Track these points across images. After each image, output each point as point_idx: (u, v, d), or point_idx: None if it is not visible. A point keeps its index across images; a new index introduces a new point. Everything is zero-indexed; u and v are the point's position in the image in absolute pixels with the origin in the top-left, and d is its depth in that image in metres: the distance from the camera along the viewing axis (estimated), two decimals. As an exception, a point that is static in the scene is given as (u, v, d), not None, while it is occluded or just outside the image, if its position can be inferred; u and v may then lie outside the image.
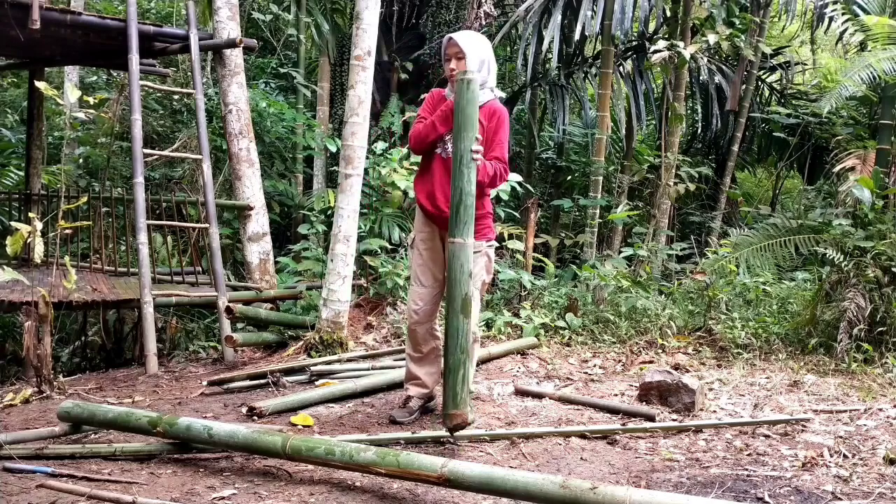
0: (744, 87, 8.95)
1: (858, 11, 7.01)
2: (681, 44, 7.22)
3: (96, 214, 7.06)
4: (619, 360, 5.25)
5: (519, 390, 4.51)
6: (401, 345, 5.52)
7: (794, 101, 10.07)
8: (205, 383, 4.80)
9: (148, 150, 6.94)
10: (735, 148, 9.09)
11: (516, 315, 5.99)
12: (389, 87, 10.31)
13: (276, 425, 3.80)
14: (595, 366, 5.14)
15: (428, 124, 3.85)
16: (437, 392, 4.01)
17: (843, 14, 7.22)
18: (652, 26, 9.25)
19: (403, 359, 4.52)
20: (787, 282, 6.52)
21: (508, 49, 10.86)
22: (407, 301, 3.99)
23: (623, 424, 3.88)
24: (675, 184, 7.84)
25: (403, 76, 10.08)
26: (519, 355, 5.32)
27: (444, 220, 3.76)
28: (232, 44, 6.68)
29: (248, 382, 4.70)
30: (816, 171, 9.41)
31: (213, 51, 6.99)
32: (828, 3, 7.91)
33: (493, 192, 6.52)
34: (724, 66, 9.38)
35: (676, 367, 4.97)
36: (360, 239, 6.58)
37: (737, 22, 7.53)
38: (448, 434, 3.50)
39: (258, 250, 6.82)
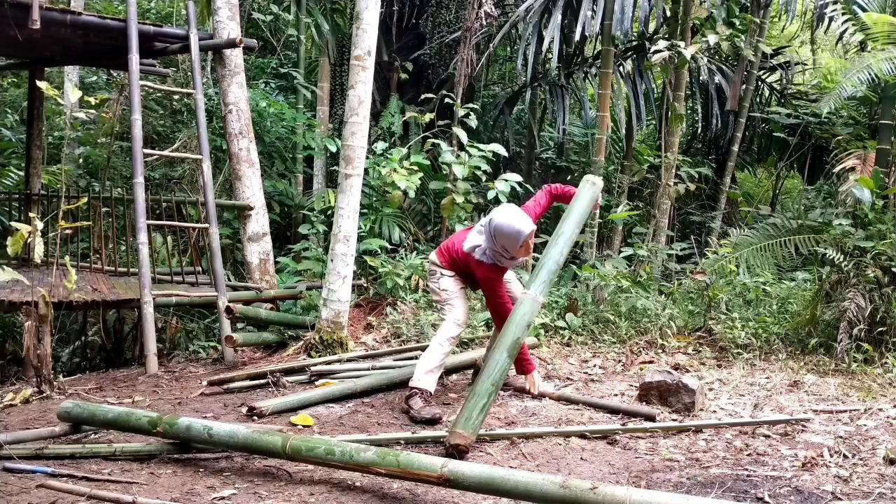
0: (744, 87, 8.94)
1: (858, 11, 7.00)
2: (681, 44, 7.22)
3: (96, 214, 7.05)
4: (619, 360, 5.25)
5: (517, 388, 4.51)
6: (401, 345, 5.53)
7: (794, 101, 10.06)
8: (205, 383, 4.81)
9: (148, 150, 6.94)
10: (735, 148, 9.08)
11: (516, 315, 5.98)
12: (389, 87, 10.31)
13: (276, 425, 3.80)
14: (595, 366, 5.14)
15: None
16: None
17: (843, 14, 7.20)
18: (652, 26, 9.24)
19: (403, 359, 4.54)
20: (787, 282, 6.51)
21: (508, 49, 10.86)
22: (457, 314, 4.25)
23: (623, 424, 3.88)
24: (675, 184, 7.83)
25: (403, 76, 10.08)
26: (519, 355, 5.31)
27: None
28: (232, 44, 6.68)
29: (248, 382, 4.70)
30: (816, 171, 9.40)
31: (213, 51, 6.99)
32: (828, 3, 7.90)
33: (490, 194, 6.59)
34: (724, 66, 9.38)
35: (676, 367, 4.97)
36: (360, 239, 6.58)
37: (737, 22, 7.51)
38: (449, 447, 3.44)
39: (258, 250, 6.82)
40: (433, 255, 4.39)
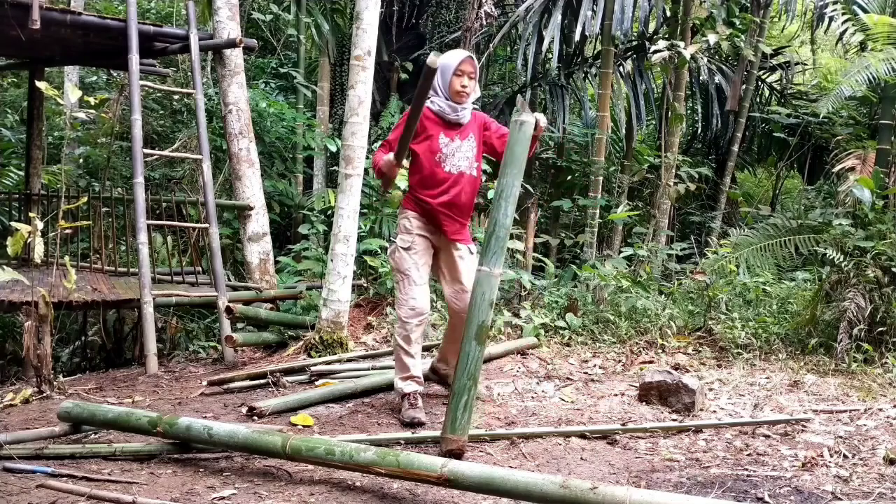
0: (744, 87, 8.94)
1: (858, 11, 7.00)
2: (681, 44, 7.22)
3: (96, 214, 7.05)
4: (619, 360, 5.25)
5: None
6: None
7: (794, 101, 10.07)
8: (205, 383, 4.81)
9: (148, 150, 6.95)
10: (735, 148, 9.09)
11: (516, 315, 5.99)
12: (389, 87, 10.31)
13: (276, 425, 3.80)
14: (595, 366, 5.14)
15: (378, 166, 3.94)
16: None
17: (843, 14, 7.21)
18: (652, 26, 9.24)
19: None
20: (787, 282, 6.51)
21: (508, 49, 10.85)
22: (405, 301, 3.99)
23: (623, 424, 3.88)
24: (675, 184, 7.84)
25: (403, 76, 10.07)
26: (519, 355, 5.31)
27: (451, 230, 4.00)
28: (232, 44, 6.68)
29: (248, 382, 4.70)
30: (816, 171, 9.41)
31: (213, 51, 7.00)
32: (828, 3, 7.90)
33: (490, 194, 6.57)
34: (724, 66, 9.38)
35: (676, 367, 4.97)
36: (360, 239, 6.58)
37: (737, 22, 7.52)
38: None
39: (258, 250, 6.82)
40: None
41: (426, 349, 4.95)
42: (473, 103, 4.07)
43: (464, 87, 3.87)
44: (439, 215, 3.97)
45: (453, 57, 3.90)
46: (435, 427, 3.77)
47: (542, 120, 3.77)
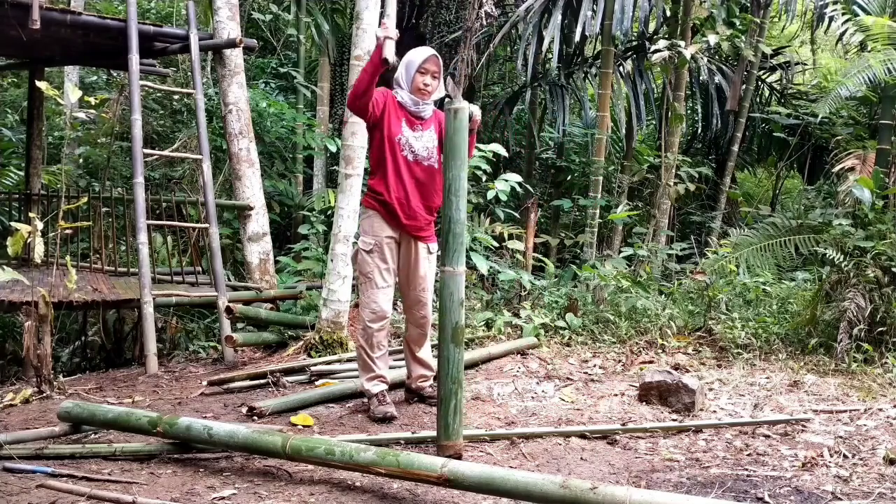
0: (744, 87, 8.94)
1: (858, 11, 7.00)
2: (681, 44, 7.22)
3: (96, 214, 7.06)
4: (619, 360, 5.25)
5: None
6: (401, 344, 5.52)
7: (794, 102, 10.06)
8: (205, 383, 4.81)
9: (148, 150, 6.95)
10: (735, 148, 9.08)
11: (516, 315, 5.99)
12: (389, 88, 10.30)
13: (276, 425, 3.80)
14: (595, 366, 5.14)
15: (361, 76, 3.89)
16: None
17: (843, 14, 7.21)
18: (652, 26, 9.24)
19: (403, 359, 4.53)
20: (787, 282, 6.51)
21: (508, 49, 10.85)
22: (367, 304, 4.02)
23: (623, 424, 3.88)
24: (675, 184, 7.84)
25: (403, 76, 10.05)
26: (519, 355, 5.31)
27: (413, 225, 3.99)
28: (232, 44, 6.68)
29: (248, 382, 4.70)
30: (816, 171, 9.40)
31: (213, 51, 7.00)
32: (828, 3, 7.90)
33: (490, 194, 6.58)
34: (724, 66, 9.38)
35: (676, 367, 4.97)
36: (360, 239, 6.58)
37: (737, 22, 7.52)
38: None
39: (258, 250, 6.82)
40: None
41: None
42: (446, 104, 4.07)
43: (426, 84, 3.95)
44: (400, 207, 3.95)
45: (418, 54, 3.97)
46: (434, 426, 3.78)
47: (476, 112, 3.78)
